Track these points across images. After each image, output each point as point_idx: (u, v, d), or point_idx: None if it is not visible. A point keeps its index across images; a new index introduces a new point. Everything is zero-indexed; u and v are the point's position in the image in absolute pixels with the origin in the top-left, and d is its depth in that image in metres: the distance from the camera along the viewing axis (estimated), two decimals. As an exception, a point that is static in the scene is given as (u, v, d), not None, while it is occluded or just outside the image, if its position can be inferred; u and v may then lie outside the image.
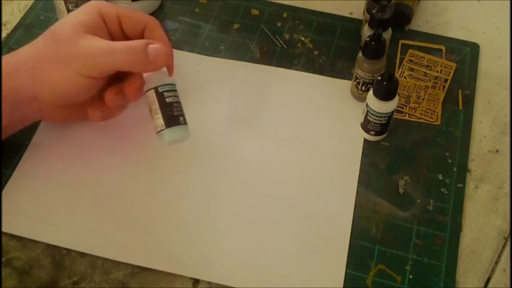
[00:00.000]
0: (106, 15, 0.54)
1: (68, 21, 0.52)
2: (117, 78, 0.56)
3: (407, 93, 0.63)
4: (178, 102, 0.53)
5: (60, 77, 0.51)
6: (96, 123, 0.59)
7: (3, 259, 0.52)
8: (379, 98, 0.55)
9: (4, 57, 0.52)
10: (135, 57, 0.51)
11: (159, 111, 0.52)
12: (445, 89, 0.64)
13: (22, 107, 0.53)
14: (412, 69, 0.65)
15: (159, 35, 0.55)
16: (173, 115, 0.52)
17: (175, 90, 0.53)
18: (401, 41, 0.68)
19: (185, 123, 0.53)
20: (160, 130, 0.52)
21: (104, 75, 0.52)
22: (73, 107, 0.56)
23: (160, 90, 0.52)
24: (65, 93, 0.52)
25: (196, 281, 0.51)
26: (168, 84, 0.53)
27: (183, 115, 0.53)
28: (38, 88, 0.52)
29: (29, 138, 0.59)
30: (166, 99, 0.52)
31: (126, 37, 0.56)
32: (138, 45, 0.51)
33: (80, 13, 0.53)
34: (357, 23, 0.70)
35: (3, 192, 0.55)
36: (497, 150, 0.60)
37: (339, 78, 0.64)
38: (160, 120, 0.52)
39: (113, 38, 0.54)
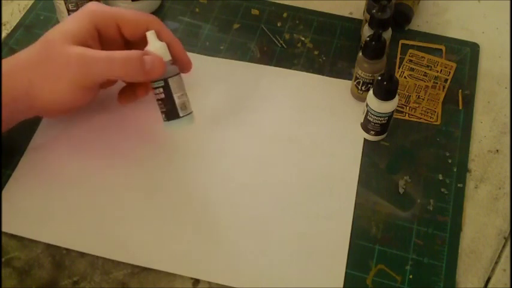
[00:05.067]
0: (101, 23, 0.53)
1: (60, 31, 0.52)
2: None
3: (407, 93, 0.63)
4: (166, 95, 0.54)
5: (55, 91, 0.51)
6: (96, 124, 0.59)
7: (3, 259, 0.52)
8: (379, 98, 0.55)
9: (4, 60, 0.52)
10: (131, 67, 0.51)
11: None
12: (445, 89, 0.64)
13: (18, 106, 0.53)
14: (412, 69, 0.65)
15: (164, 35, 0.54)
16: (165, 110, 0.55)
17: (167, 83, 0.54)
18: (401, 41, 0.68)
19: (180, 115, 0.55)
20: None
21: (98, 84, 0.53)
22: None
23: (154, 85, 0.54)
24: (60, 105, 0.53)
25: (196, 281, 0.51)
26: (160, 80, 0.53)
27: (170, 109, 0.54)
28: (33, 100, 0.52)
29: (29, 138, 0.59)
30: (156, 95, 0.54)
31: (127, 41, 0.55)
32: (134, 55, 0.51)
33: (72, 22, 0.52)
34: (357, 23, 0.70)
35: (3, 192, 0.55)
36: (497, 150, 0.60)
37: (339, 78, 0.64)
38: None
39: (109, 45, 0.54)
